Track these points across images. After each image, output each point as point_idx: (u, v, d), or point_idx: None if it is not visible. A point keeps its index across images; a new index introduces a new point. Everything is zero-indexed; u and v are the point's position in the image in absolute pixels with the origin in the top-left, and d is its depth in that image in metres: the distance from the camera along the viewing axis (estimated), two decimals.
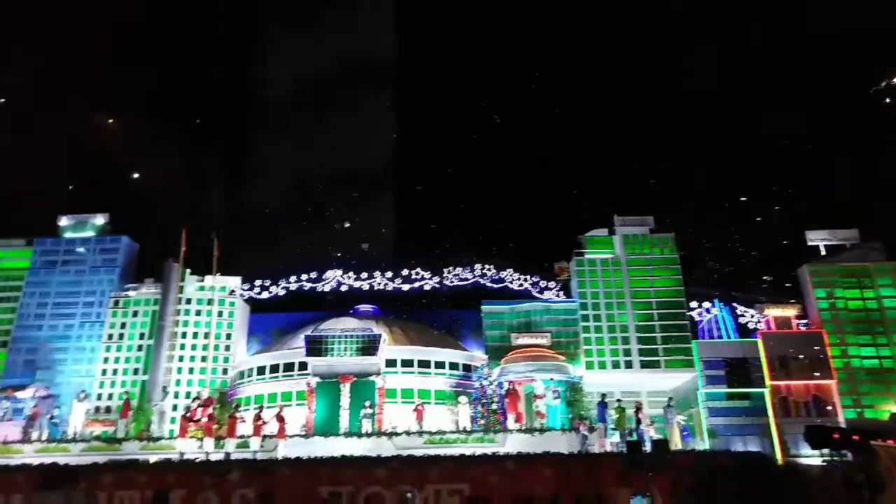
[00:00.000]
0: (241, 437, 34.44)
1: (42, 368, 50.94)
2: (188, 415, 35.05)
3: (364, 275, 57.44)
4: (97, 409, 48.62)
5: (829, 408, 45.39)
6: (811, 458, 34.36)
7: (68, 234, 57.27)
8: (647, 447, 32.92)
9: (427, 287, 59.14)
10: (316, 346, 44.05)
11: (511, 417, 40.40)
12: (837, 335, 48.68)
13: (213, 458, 30.78)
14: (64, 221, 57.88)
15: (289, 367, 47.92)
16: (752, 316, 52.58)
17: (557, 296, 56.41)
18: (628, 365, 50.20)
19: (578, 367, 49.45)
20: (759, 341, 48.02)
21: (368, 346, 43.54)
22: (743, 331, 52.09)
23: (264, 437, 34.38)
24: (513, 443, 36.29)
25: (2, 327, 53.38)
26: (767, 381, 46.21)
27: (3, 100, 66.76)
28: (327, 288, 57.99)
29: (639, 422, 37.31)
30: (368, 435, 36.95)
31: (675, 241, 54.61)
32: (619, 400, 44.00)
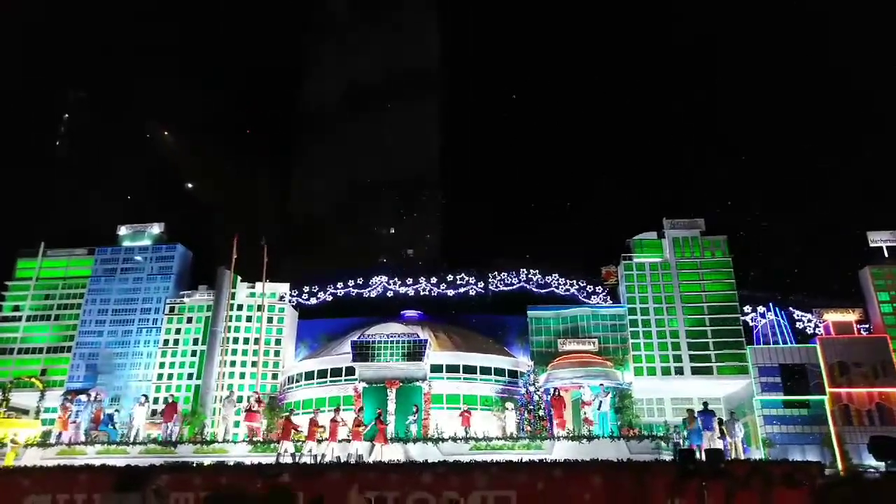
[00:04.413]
0: (295, 441, 35.00)
1: (103, 373, 53.13)
2: (245, 416, 35.78)
3: (409, 280, 57.94)
4: (154, 412, 50.38)
5: (895, 416, 43.33)
6: (875, 469, 32.81)
7: (127, 243, 59.66)
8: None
9: (472, 292, 59.21)
10: (362, 352, 44.52)
11: (557, 424, 39.94)
12: None
13: (267, 461, 31.38)
14: (123, 231, 60.36)
15: (336, 372, 48.65)
16: (810, 321, 50.68)
17: (605, 301, 55.67)
18: (679, 371, 49.01)
19: (627, 373, 48.57)
20: (818, 347, 46.21)
21: (414, 352, 43.74)
22: (800, 336, 50.28)
23: (318, 440, 34.82)
24: (560, 450, 35.71)
25: (66, 333, 55.95)
26: (827, 389, 44.43)
27: (66, 114, 70.02)
28: (373, 293, 58.73)
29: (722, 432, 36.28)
30: (415, 440, 37.06)
31: (728, 244, 53.11)
32: (689, 410, 42.60)
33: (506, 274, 59.51)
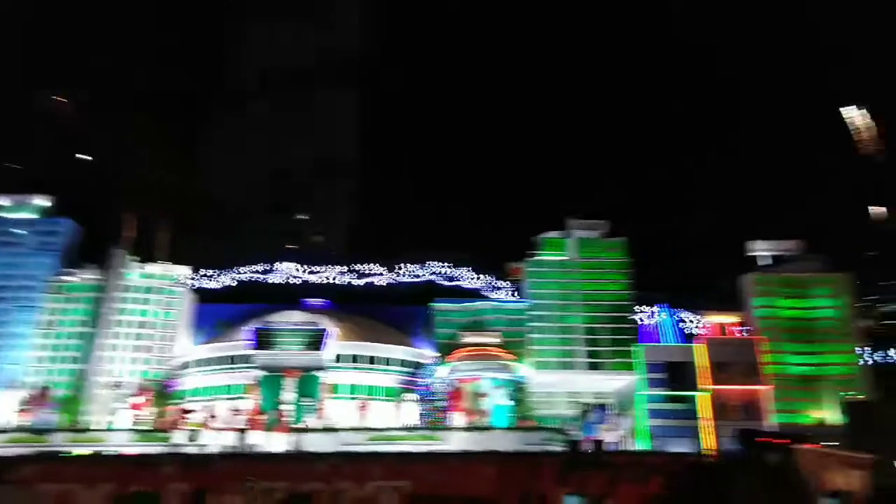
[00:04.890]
0: (185, 429, 33.71)
1: None
2: (130, 403, 34.11)
3: (317, 268, 57.03)
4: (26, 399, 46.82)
5: (762, 412, 47.07)
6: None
7: (6, 215, 54.95)
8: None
9: (380, 283, 59.11)
10: (263, 339, 43.47)
11: (456, 415, 40.72)
12: (774, 343, 50.36)
13: (151, 450, 30.04)
14: (2, 201, 55.50)
15: (233, 359, 47.06)
16: (695, 322, 54.16)
17: (510, 296, 57.14)
18: (574, 366, 51.02)
19: (526, 366, 50.04)
20: (700, 346, 49.38)
21: (316, 341, 43.17)
22: (686, 336, 53.49)
23: (207, 429, 33.69)
24: (457, 441, 36.54)
25: None
26: (705, 385, 47.64)
27: None
28: (279, 280, 57.33)
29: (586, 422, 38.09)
30: (312, 430, 36.66)
31: (627, 246, 55.70)
32: (585, 403, 44.58)
33: (415, 266, 59.83)
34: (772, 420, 46.45)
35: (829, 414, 47.40)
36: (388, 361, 48.31)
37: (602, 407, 40.94)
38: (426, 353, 51.20)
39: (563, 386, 50.36)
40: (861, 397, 47.65)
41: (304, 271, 56.09)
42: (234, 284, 57.90)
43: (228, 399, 41.39)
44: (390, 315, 56.40)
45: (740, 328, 51.80)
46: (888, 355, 66.05)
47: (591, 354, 51.42)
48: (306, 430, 37.59)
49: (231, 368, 46.74)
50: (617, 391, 50.08)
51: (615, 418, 41.97)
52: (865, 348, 53.87)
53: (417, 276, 59.68)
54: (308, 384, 42.29)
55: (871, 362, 54.27)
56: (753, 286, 53.27)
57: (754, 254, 55.81)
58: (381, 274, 57.80)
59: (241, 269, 56.95)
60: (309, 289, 56.06)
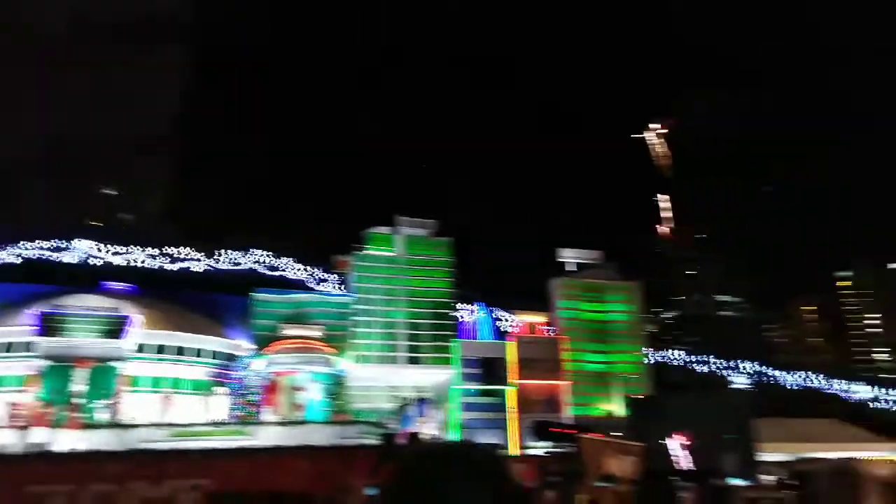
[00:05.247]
0: None
1: None
2: None
3: (121, 249, 51.87)
4: None
5: (561, 405, 51.52)
6: (536, 448, 38.70)
7: None
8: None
9: (196, 269, 55.35)
10: (51, 325, 38.49)
11: (270, 409, 39.40)
12: (574, 342, 55.38)
13: None
14: None
15: (10, 346, 41.03)
16: (509, 321, 57.75)
17: (335, 289, 56.50)
18: (394, 361, 51.81)
19: (347, 360, 49.82)
20: (511, 344, 52.79)
21: (115, 328, 39.17)
22: (500, 334, 56.85)
23: None
24: (270, 436, 35.33)
25: None
26: (513, 380, 51.04)
27: None
28: (74, 259, 51.29)
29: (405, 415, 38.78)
30: (103, 426, 33.26)
31: (452, 246, 57.65)
32: (404, 397, 45.01)
33: (236, 253, 56.89)
34: (569, 412, 51.06)
35: (617, 407, 53.15)
36: (198, 353, 45.31)
37: (421, 400, 42.05)
38: (242, 345, 48.80)
39: (383, 380, 50.88)
40: (643, 393, 54.11)
41: (105, 251, 50.67)
42: (17, 262, 50.76)
43: (4, 392, 36.15)
44: (205, 303, 52.90)
45: (547, 327, 56.30)
46: (666, 356, 75.93)
47: (411, 349, 52.55)
48: (99, 426, 34.08)
49: (7, 357, 40.79)
50: (435, 385, 51.74)
51: (432, 412, 43.36)
52: (649, 349, 61.39)
53: (238, 264, 56.82)
54: (103, 376, 38.21)
55: (652, 362, 62.03)
56: (559, 290, 58.02)
57: (563, 260, 60.85)
58: (198, 259, 54.12)
59: (27, 245, 50.08)
60: (111, 271, 50.77)
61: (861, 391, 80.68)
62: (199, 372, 44.52)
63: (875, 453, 49.62)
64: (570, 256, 60.77)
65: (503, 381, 50.56)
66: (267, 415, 39.09)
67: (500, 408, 50.07)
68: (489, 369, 50.64)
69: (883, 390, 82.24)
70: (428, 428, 40.73)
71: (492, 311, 58.08)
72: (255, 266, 56.47)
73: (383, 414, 46.68)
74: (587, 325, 57.11)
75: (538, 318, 55.94)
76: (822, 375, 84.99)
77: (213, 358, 45.88)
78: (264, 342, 48.11)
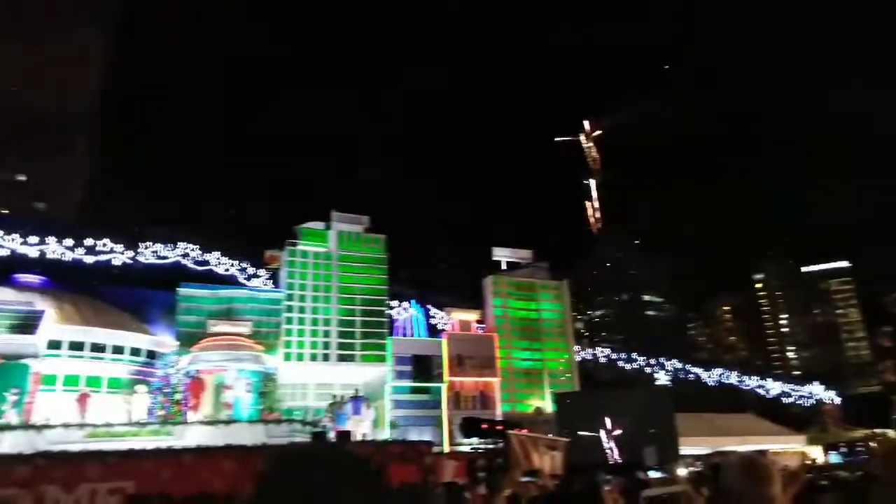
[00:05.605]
0: None
1: None
2: None
3: (33, 239, 48.83)
4: None
5: (492, 401, 52.31)
6: (465, 445, 39.18)
7: None
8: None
9: (116, 261, 52.79)
10: None
11: (195, 408, 38.10)
12: (505, 339, 56.34)
13: None
14: None
15: None
16: (442, 318, 58.04)
17: (266, 285, 55.15)
18: (326, 358, 51.14)
19: (276, 357, 48.81)
20: (444, 341, 53.18)
21: (25, 323, 36.90)
22: (433, 331, 57.14)
23: None
24: (195, 435, 34.15)
25: None
26: (446, 377, 51.40)
27: None
28: None
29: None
30: (13, 428, 31.31)
31: (386, 243, 57.37)
32: (334, 395, 44.23)
33: (161, 245, 54.61)
34: (500, 409, 51.88)
35: (545, 403, 54.36)
36: (118, 349, 43.31)
37: (355, 398, 41.69)
38: (165, 342, 46.94)
39: (314, 377, 50.16)
40: (571, 389, 55.63)
41: (16, 241, 47.60)
42: None
43: None
44: (126, 298, 50.54)
45: (480, 325, 56.99)
46: (594, 353, 78.22)
47: (343, 346, 51.96)
48: (8, 427, 32.09)
49: None
50: (367, 383, 51.45)
51: (365, 409, 43.02)
52: (576, 346, 63.08)
53: (163, 258, 54.57)
54: (12, 373, 35.96)
55: (579, 359, 63.83)
56: (492, 287, 58.82)
57: (497, 258, 61.72)
58: (120, 251, 51.66)
59: None
60: (23, 262, 47.78)
61: (773, 387, 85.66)
62: (120, 370, 42.54)
63: (785, 445, 52.78)
64: (503, 255, 61.66)
65: (436, 379, 50.82)
66: (192, 414, 37.80)
67: (433, 405, 50.32)
68: (422, 367, 50.75)
69: (792, 386, 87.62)
70: (362, 426, 40.46)
71: (426, 309, 58.21)
72: (182, 260, 54.39)
73: (315, 412, 45.99)
74: (518, 323, 58.15)
75: (471, 316, 56.51)
76: (737, 372, 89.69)
77: (135, 355, 43.94)
78: (190, 339, 46.40)
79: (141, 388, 39.51)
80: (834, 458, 47.70)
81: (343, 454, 2.02)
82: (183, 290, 49.71)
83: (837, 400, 79.73)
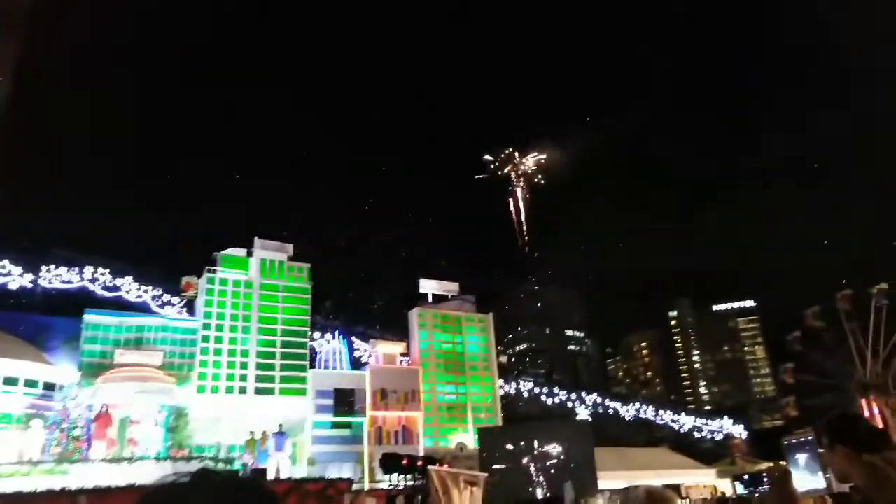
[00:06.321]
0: None
1: None
2: None
3: None
4: None
5: (415, 436, 51.47)
6: (386, 481, 38.20)
7: None
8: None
9: (15, 285, 49.13)
10: None
11: (98, 445, 35.40)
12: (430, 373, 55.87)
13: None
14: None
15: None
16: (367, 350, 57.05)
17: (181, 313, 52.61)
18: (243, 391, 49.04)
19: (189, 390, 46.37)
20: (368, 374, 52.16)
21: None
22: (357, 364, 55.99)
23: None
24: (95, 474, 31.67)
25: None
26: (368, 411, 50.27)
27: None
28: None
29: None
30: None
31: (310, 272, 56.13)
32: (252, 431, 42.08)
33: (66, 269, 51.29)
34: (423, 444, 51.04)
35: (469, 438, 54.00)
36: (10, 381, 39.91)
37: (279, 434, 40.02)
38: (66, 373, 43.70)
39: (230, 411, 47.83)
40: (494, 424, 55.54)
41: None
42: None
43: None
44: (25, 324, 46.87)
45: (405, 357, 56.33)
46: (517, 387, 78.84)
47: (261, 379, 49.98)
48: None
49: None
50: (286, 418, 49.53)
51: (284, 445, 41.28)
52: (500, 380, 63.31)
53: (69, 283, 51.26)
54: None
55: (502, 393, 64.05)
56: (418, 319, 58.50)
57: (423, 291, 61.54)
58: (18, 274, 48.15)
59: None
60: None
61: (686, 421, 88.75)
62: (12, 403, 39.15)
63: (697, 478, 54.51)
64: (430, 287, 61.56)
65: (358, 413, 49.56)
66: (95, 451, 35.17)
67: (354, 440, 48.95)
68: (344, 400, 49.41)
69: (703, 420, 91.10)
70: (281, 463, 38.85)
71: (350, 341, 57.11)
72: (89, 285, 51.25)
73: (229, 448, 43.75)
74: (442, 356, 57.89)
75: (397, 348, 55.81)
76: (653, 407, 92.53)
77: (30, 387, 40.61)
78: (94, 369, 43.46)
79: (36, 422, 36.44)
80: (740, 489, 49.66)
81: (235, 480, 1.84)
82: (89, 317, 46.64)
83: (745, 434, 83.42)
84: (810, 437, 47.67)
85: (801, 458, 50.23)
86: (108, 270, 51.56)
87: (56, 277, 49.26)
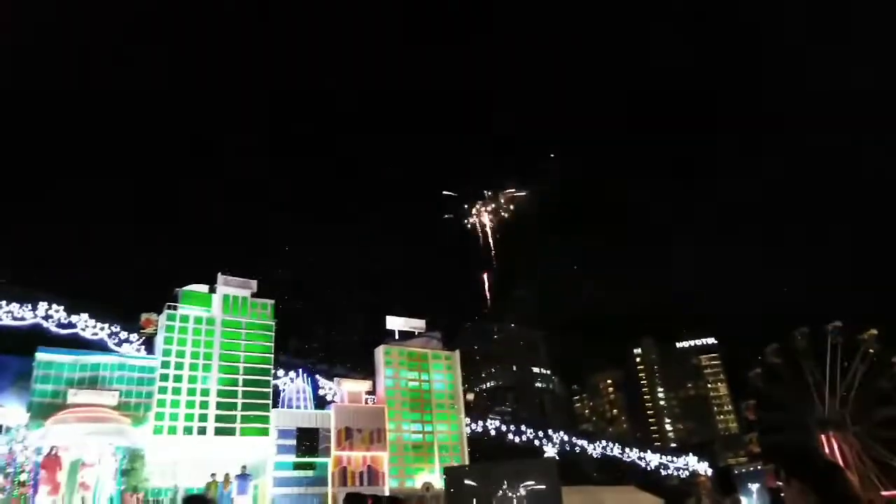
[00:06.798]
0: None
1: None
2: None
3: None
4: None
5: (380, 476, 50.29)
6: None
7: None
8: None
9: None
10: None
11: (45, 490, 33.71)
12: (395, 411, 54.97)
13: None
14: None
15: None
16: (332, 389, 55.99)
17: (139, 351, 51.00)
18: (202, 431, 47.40)
19: (146, 430, 44.64)
20: (332, 412, 51.05)
21: None
22: (322, 402, 54.80)
23: None
24: None
25: None
26: (333, 451, 49.05)
27: None
28: None
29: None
30: None
31: (274, 309, 55.13)
32: (213, 473, 40.50)
33: (18, 305, 49.50)
34: (388, 484, 49.86)
35: (435, 477, 53.00)
36: None
37: (242, 476, 38.68)
38: (14, 413, 41.69)
39: (189, 453, 46.11)
40: (461, 462, 54.68)
41: None
42: None
43: None
44: None
45: (371, 395, 55.37)
46: (484, 425, 78.10)
47: (221, 419, 48.45)
48: None
49: None
50: (247, 458, 48.00)
51: (247, 488, 39.93)
52: (467, 418, 62.61)
53: (21, 319, 49.47)
54: None
55: (469, 431, 63.28)
56: (383, 357, 57.81)
57: (390, 328, 60.96)
58: None
59: None
60: None
61: (652, 459, 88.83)
62: None
63: None
64: (397, 324, 61.03)
65: (322, 453, 48.30)
66: (44, 497, 33.48)
67: (318, 481, 47.59)
68: (307, 440, 48.18)
69: (669, 458, 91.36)
70: None
71: (314, 379, 56.00)
72: (42, 322, 49.55)
73: (187, 491, 42.03)
74: (409, 394, 57.12)
75: (362, 386, 54.89)
76: (619, 444, 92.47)
77: None
78: (45, 410, 41.61)
79: None
80: None
81: None
82: (41, 356, 44.78)
83: (710, 471, 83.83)
84: (760, 468, 49.12)
85: (754, 487, 51.48)
86: (62, 307, 49.92)
87: (7, 314, 47.45)
